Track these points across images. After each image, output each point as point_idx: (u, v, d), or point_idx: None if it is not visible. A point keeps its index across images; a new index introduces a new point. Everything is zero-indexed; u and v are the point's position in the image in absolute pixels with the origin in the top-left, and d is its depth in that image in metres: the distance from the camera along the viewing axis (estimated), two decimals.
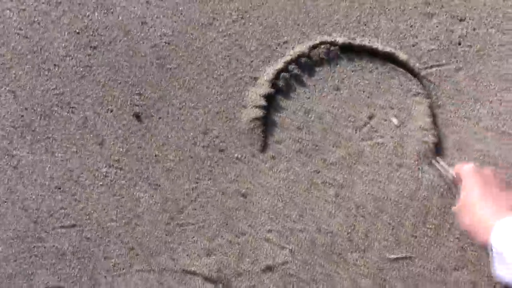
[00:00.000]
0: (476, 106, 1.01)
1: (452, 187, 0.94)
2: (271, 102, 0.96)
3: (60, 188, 0.90)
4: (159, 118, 0.93)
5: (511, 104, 1.02)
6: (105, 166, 0.91)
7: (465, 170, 0.85)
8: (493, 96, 1.02)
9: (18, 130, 0.90)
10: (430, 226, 0.96)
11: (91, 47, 0.94)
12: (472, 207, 0.78)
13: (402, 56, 1.00)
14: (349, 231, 0.95)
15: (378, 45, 0.99)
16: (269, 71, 0.97)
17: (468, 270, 0.96)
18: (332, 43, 0.98)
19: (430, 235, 0.96)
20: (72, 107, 0.92)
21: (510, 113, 1.01)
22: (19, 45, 0.92)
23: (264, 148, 0.96)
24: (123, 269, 0.90)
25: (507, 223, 0.71)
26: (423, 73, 1.01)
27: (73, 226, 0.89)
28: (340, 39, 0.98)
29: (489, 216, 0.74)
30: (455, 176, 0.90)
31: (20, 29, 0.93)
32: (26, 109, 0.91)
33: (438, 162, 0.94)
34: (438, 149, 0.95)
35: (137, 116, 0.93)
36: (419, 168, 0.97)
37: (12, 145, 0.90)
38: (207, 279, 0.91)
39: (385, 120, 0.99)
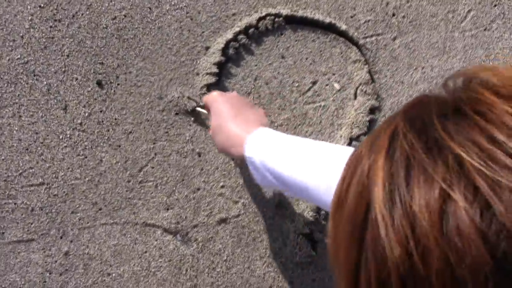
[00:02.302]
0: (410, 72, 1.12)
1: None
2: (222, 70, 1.05)
3: (27, 149, 0.98)
4: (118, 84, 1.02)
5: (442, 70, 1.12)
6: (69, 129, 0.99)
7: (210, 97, 0.91)
8: (425, 62, 1.12)
9: None
10: None
11: (55, 20, 1.01)
12: (224, 128, 0.83)
13: (342, 26, 1.10)
14: None
15: (319, 16, 1.09)
16: (220, 41, 1.05)
17: None
18: (277, 15, 1.07)
19: None
20: (37, 75, 1.00)
21: (441, 78, 1.12)
22: None
23: None
24: (88, 222, 0.98)
25: (255, 136, 0.78)
26: (361, 42, 1.11)
27: (41, 184, 0.98)
28: (284, 11, 1.07)
29: (241, 132, 0.80)
30: (205, 110, 0.95)
31: None
32: None
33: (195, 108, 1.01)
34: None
35: (99, 83, 1.01)
36: (359, 128, 1.08)
37: None
38: (166, 230, 1.01)
39: (327, 85, 1.09)
